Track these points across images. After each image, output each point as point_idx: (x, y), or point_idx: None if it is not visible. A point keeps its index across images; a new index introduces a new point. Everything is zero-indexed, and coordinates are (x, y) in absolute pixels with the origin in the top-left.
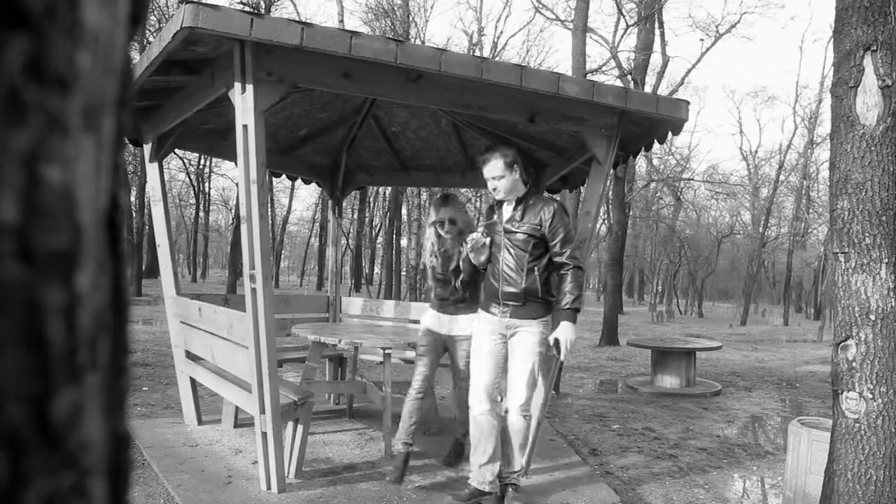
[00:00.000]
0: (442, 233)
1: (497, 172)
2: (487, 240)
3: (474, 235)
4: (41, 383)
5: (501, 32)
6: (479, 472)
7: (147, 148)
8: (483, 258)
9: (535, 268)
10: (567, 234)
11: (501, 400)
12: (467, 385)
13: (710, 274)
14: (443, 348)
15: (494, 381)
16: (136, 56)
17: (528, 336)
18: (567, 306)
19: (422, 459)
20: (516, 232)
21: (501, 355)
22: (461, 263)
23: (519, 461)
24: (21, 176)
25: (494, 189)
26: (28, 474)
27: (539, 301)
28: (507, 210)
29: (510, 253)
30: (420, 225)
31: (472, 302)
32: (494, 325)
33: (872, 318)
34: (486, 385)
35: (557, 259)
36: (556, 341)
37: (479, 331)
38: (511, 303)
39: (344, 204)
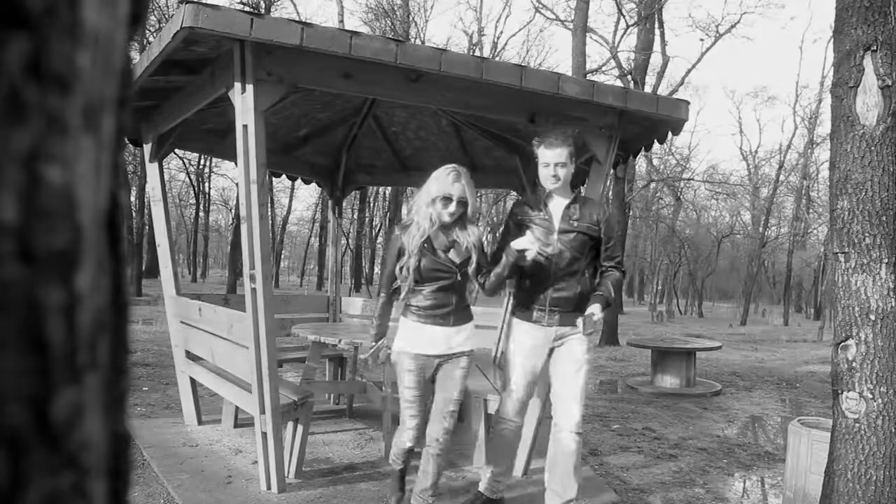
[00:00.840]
0: (445, 214)
1: (563, 159)
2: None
3: (547, 250)
4: (41, 383)
5: (501, 32)
6: (495, 483)
7: (147, 148)
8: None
9: (587, 271)
10: (618, 239)
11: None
12: (454, 421)
13: (710, 274)
14: (432, 378)
15: (530, 396)
16: (136, 56)
17: (578, 345)
18: (603, 294)
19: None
20: (573, 231)
21: (540, 369)
22: (499, 266)
23: (576, 486)
24: (21, 176)
25: (554, 176)
26: (28, 474)
27: (585, 306)
28: (558, 207)
29: (565, 254)
30: (408, 210)
31: (468, 308)
32: (541, 334)
33: (872, 318)
34: (521, 401)
35: (606, 263)
36: (585, 317)
37: (522, 342)
38: (560, 309)
39: (344, 204)
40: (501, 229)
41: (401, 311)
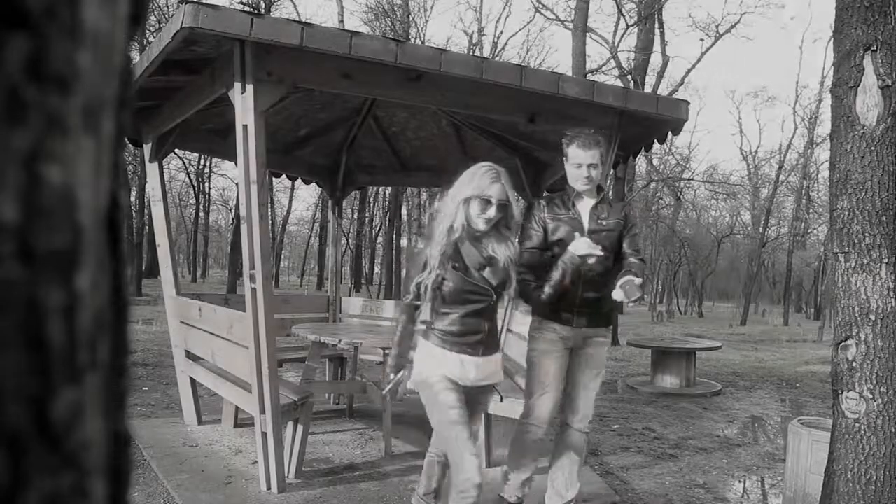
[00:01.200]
0: (481, 221)
1: (597, 160)
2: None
3: (597, 250)
4: (41, 383)
5: (501, 32)
6: (521, 487)
7: (147, 148)
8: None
9: (613, 270)
10: (637, 234)
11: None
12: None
13: (710, 274)
14: None
15: (559, 403)
16: (136, 56)
17: (600, 348)
18: (630, 269)
19: (421, 459)
20: (603, 230)
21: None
22: (555, 275)
23: (578, 485)
24: (21, 176)
25: (587, 177)
26: (28, 474)
27: (610, 306)
28: (585, 206)
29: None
30: (430, 217)
31: (497, 335)
32: (569, 334)
33: (872, 318)
34: (556, 402)
35: (628, 250)
36: (626, 283)
37: (552, 341)
38: (588, 310)
39: (344, 204)
40: (530, 230)
41: (420, 332)
